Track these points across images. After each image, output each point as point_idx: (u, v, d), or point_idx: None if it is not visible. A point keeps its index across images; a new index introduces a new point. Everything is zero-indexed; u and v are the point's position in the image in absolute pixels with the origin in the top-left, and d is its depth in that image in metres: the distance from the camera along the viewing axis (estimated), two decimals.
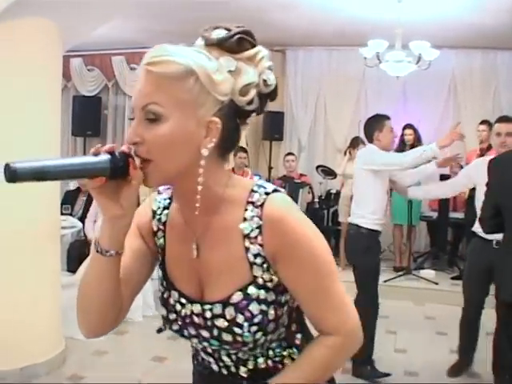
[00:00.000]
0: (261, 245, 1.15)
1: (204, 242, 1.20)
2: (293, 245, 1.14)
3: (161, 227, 1.27)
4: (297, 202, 6.78)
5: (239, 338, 1.16)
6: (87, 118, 8.38)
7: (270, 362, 1.25)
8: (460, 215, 6.81)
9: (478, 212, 3.39)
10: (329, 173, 7.67)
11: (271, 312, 1.17)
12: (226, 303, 1.17)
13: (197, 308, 1.21)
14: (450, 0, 5.63)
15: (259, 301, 1.16)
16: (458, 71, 7.66)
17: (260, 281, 1.16)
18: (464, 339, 3.99)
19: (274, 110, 8.26)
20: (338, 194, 7.40)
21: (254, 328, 1.16)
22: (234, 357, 1.25)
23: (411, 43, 5.73)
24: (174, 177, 1.12)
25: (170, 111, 1.06)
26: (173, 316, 1.25)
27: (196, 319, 1.21)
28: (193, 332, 1.23)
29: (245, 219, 1.15)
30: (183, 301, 1.23)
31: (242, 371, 1.25)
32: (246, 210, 1.16)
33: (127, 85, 8.75)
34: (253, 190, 1.18)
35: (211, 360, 1.28)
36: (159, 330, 1.33)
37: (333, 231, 7.66)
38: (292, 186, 7.07)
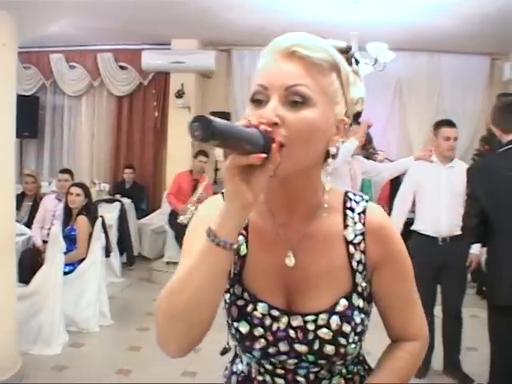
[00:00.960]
0: (363, 252, 1.13)
1: (301, 249, 1.12)
2: (395, 253, 1.16)
3: (243, 232, 1.13)
4: None
5: (342, 350, 1.08)
6: (24, 118, 7.95)
7: (342, 380, 1.17)
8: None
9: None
10: None
11: (366, 322, 1.14)
12: (331, 312, 1.09)
13: (297, 320, 1.10)
14: (404, 4, 5.72)
15: (359, 310, 1.12)
16: (404, 73, 7.79)
17: (359, 289, 1.13)
18: None
19: (219, 111, 8.17)
20: None
21: (356, 338, 1.10)
22: (312, 376, 1.13)
23: (368, 44, 5.77)
24: (299, 170, 1.03)
25: (317, 98, 1.01)
26: (259, 331, 1.10)
27: (292, 333, 1.10)
28: (283, 348, 1.10)
29: (346, 225, 1.13)
30: (275, 313, 1.11)
31: None
32: (346, 215, 1.14)
33: (66, 84, 8.41)
34: (347, 196, 1.16)
35: (281, 382, 1.15)
36: (224, 352, 1.20)
37: None
38: None
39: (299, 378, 1.14)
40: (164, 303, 1.02)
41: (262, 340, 1.10)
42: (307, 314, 1.10)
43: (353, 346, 1.10)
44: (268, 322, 1.11)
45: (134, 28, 7.31)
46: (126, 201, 7.23)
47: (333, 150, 1.05)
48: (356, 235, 1.13)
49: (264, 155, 0.92)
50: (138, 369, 3.98)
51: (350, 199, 1.16)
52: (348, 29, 5.86)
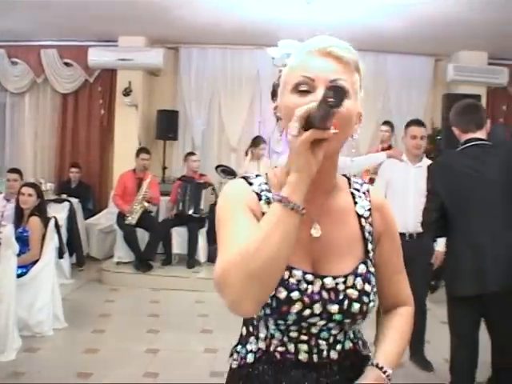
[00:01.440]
0: (371, 224, 1.33)
1: (323, 222, 1.27)
2: (393, 227, 1.39)
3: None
4: (200, 203, 6.72)
5: (365, 308, 1.24)
6: None
7: (350, 343, 1.31)
8: None
9: None
10: (229, 172, 7.65)
11: (377, 286, 1.32)
12: (356, 274, 1.25)
13: (329, 281, 1.23)
14: (354, 5, 5.85)
15: (372, 274, 1.29)
16: None
17: (371, 256, 1.31)
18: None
19: (167, 109, 8.13)
20: None
21: (374, 298, 1.28)
22: (331, 339, 1.26)
23: None
24: (336, 151, 1.23)
25: (351, 92, 1.18)
26: (296, 295, 1.20)
27: (325, 294, 1.22)
28: (317, 310, 1.21)
29: (356, 203, 1.33)
30: (309, 277, 1.23)
31: (333, 354, 1.26)
32: (353, 195, 1.34)
33: (8, 80, 8.14)
34: (350, 180, 1.38)
35: (304, 348, 1.24)
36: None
37: None
38: (194, 186, 6.96)
39: (321, 342, 1.25)
40: (241, 263, 1.06)
41: (299, 303, 1.20)
42: (337, 277, 1.24)
43: (372, 304, 1.26)
44: (304, 286, 1.21)
45: (80, 24, 7.17)
46: (74, 200, 7.07)
47: (355, 136, 1.23)
48: (365, 210, 1.32)
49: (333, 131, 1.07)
50: (98, 371, 3.91)
51: (354, 182, 1.37)
52: (300, 28, 5.94)
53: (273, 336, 1.25)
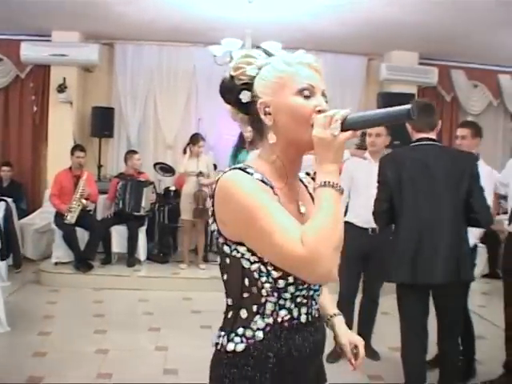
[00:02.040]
0: None
1: (302, 200, 1.48)
2: None
3: (275, 191, 1.38)
4: (141, 201, 6.69)
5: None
6: None
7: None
8: None
9: None
10: (168, 170, 7.65)
11: None
12: None
13: None
14: (294, 5, 6.00)
15: None
16: None
17: None
18: None
19: (102, 106, 8.01)
20: (176, 191, 7.42)
21: None
22: (316, 299, 1.49)
23: (263, 44, 5.97)
24: None
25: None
26: None
27: None
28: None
29: (306, 186, 1.58)
30: None
31: (316, 312, 1.49)
32: (302, 181, 1.57)
33: None
34: None
35: (304, 310, 1.43)
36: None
37: (171, 228, 7.67)
38: (135, 184, 6.92)
39: (313, 302, 1.47)
40: (325, 240, 1.23)
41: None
42: None
43: None
44: None
45: (11, 17, 6.94)
46: (9, 200, 6.85)
47: None
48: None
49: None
50: (49, 374, 3.84)
51: None
52: (242, 26, 6.05)
53: (282, 307, 1.38)
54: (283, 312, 1.38)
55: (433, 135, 3.23)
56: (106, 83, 8.28)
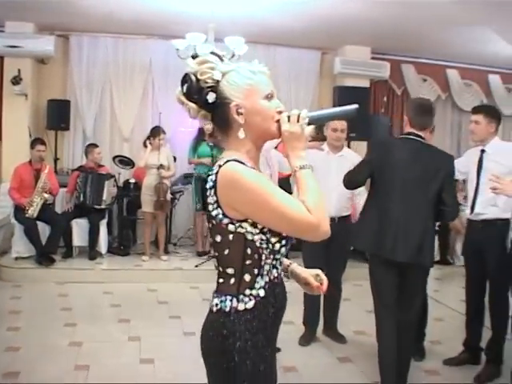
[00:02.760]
0: None
1: None
2: None
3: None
4: (102, 195, 6.69)
5: None
6: None
7: None
8: None
9: None
10: (127, 163, 7.64)
11: None
12: None
13: None
14: (254, 1, 6.11)
15: None
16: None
17: None
18: (309, 310, 4.53)
19: (58, 98, 7.90)
20: (136, 183, 7.43)
21: None
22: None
23: (227, 38, 6.06)
24: None
25: None
26: (284, 235, 1.68)
27: None
28: (292, 241, 1.74)
29: None
30: None
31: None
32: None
33: None
34: None
35: (279, 267, 1.75)
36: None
37: (131, 221, 7.68)
38: (96, 177, 6.90)
39: (285, 259, 1.85)
40: (321, 209, 1.60)
41: (285, 240, 1.69)
42: None
43: None
44: None
45: None
46: None
47: None
48: None
49: None
50: (25, 369, 3.82)
51: None
52: (197, 20, 6.12)
53: (274, 266, 1.71)
54: (274, 271, 1.72)
55: (422, 133, 3.47)
56: (61, 75, 8.15)
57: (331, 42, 8.18)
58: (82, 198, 6.82)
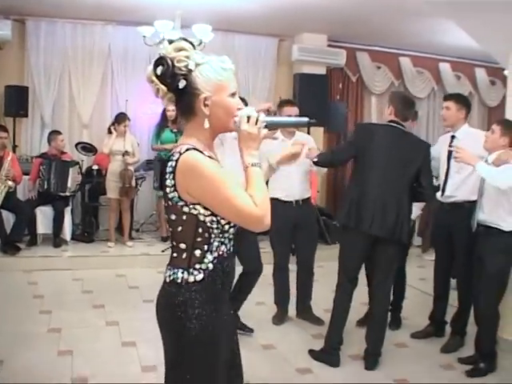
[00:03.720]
0: None
1: None
2: None
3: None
4: (67, 182, 6.69)
5: None
6: None
7: None
8: None
9: None
10: (89, 149, 7.62)
11: None
12: None
13: None
14: None
15: None
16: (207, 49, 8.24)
17: None
18: (280, 289, 4.72)
19: (16, 85, 7.77)
20: (99, 170, 7.44)
21: None
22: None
23: (194, 26, 6.12)
24: None
25: None
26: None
27: None
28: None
29: None
30: None
31: None
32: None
33: None
34: None
35: (231, 243, 1.93)
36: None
37: (93, 208, 7.68)
38: (60, 164, 6.87)
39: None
40: (266, 203, 1.76)
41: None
42: None
43: None
44: None
45: None
46: None
47: None
48: None
49: None
50: (7, 357, 3.84)
51: None
52: (159, 6, 6.15)
53: (222, 243, 1.88)
54: (223, 247, 1.88)
55: (405, 123, 3.81)
56: (18, 61, 7.97)
57: (289, 29, 8.32)
58: (46, 186, 6.79)
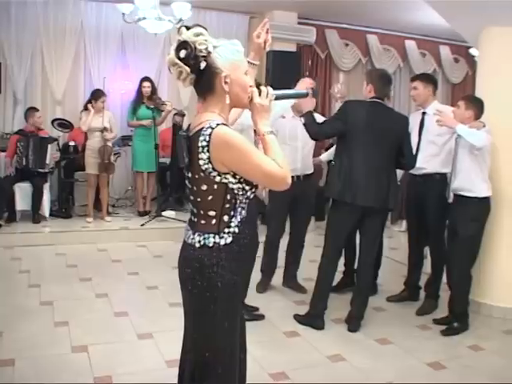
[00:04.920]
0: None
1: None
2: None
3: None
4: (46, 158, 6.76)
5: None
6: None
7: None
8: None
9: None
10: (66, 126, 7.66)
11: None
12: None
13: None
14: None
15: None
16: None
17: None
18: (269, 259, 4.97)
19: None
20: (75, 146, 7.51)
21: None
22: None
23: (173, 4, 6.19)
24: None
25: None
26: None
27: None
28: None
29: None
30: None
31: None
32: None
33: None
34: None
35: (246, 208, 2.13)
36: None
37: (70, 184, 7.76)
38: (38, 141, 6.91)
39: None
40: (287, 165, 2.03)
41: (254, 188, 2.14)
42: None
43: None
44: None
45: None
46: None
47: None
48: None
49: None
50: (6, 329, 3.97)
51: None
52: None
53: (244, 208, 2.11)
54: (243, 212, 2.11)
55: (385, 100, 4.12)
56: None
57: (259, 6, 8.44)
58: (24, 162, 6.83)
